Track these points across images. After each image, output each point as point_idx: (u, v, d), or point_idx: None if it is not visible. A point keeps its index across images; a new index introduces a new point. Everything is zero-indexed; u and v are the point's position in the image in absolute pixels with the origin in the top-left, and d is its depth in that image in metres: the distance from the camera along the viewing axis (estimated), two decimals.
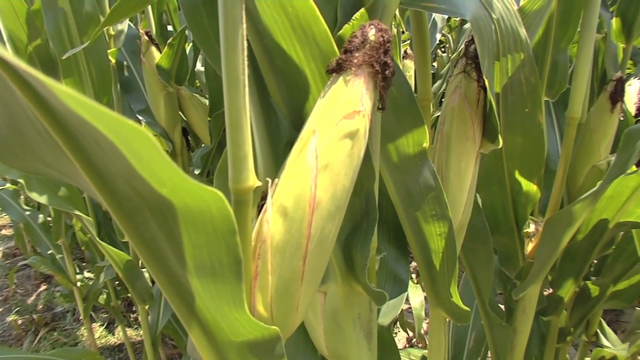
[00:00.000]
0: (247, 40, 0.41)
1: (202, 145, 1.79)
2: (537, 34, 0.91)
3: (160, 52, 1.52)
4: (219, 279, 0.32)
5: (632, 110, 1.24)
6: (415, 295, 1.92)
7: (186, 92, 1.64)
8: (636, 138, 0.75)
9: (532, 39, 0.72)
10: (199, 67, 2.01)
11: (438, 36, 2.09)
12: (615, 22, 1.22)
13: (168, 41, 1.48)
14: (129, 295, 2.40)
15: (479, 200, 0.92)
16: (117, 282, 2.22)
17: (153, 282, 1.76)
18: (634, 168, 0.90)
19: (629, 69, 2.78)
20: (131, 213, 0.30)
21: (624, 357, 1.37)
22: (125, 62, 1.65)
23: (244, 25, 0.34)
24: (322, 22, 0.43)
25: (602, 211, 1.02)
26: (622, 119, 0.99)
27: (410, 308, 1.91)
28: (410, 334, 2.43)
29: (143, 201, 0.28)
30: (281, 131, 0.49)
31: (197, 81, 2.16)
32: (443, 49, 3.54)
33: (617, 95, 0.97)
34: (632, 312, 2.37)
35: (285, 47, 0.45)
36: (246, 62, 0.35)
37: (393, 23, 1.48)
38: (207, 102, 1.66)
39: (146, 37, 1.51)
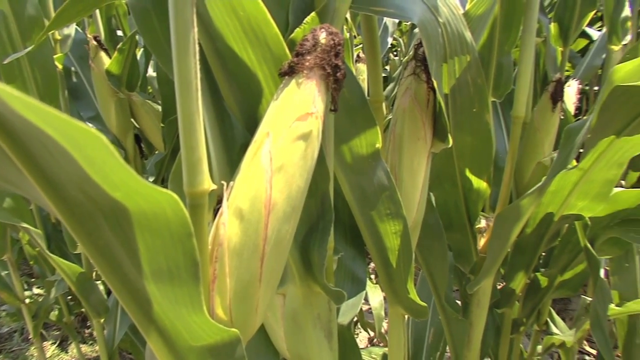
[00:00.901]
0: (199, 43, 0.41)
1: (156, 152, 1.76)
2: (482, 37, 0.94)
3: (110, 58, 1.49)
4: (177, 282, 0.32)
5: (572, 109, 1.30)
6: (375, 296, 1.95)
7: (138, 98, 1.61)
8: (575, 135, 0.79)
9: (478, 42, 0.74)
10: (151, 72, 1.98)
11: (390, 40, 2.13)
12: (553, 27, 1.28)
13: (118, 46, 1.45)
14: (83, 309, 2.32)
15: (433, 199, 0.94)
16: (69, 297, 2.14)
17: (108, 294, 1.72)
18: (574, 163, 0.95)
19: (567, 71, 2.91)
20: (84, 219, 0.29)
21: (571, 342, 1.43)
22: (73, 68, 1.60)
23: (195, 29, 0.35)
24: (274, 25, 0.44)
25: (547, 205, 1.06)
26: (562, 117, 1.03)
27: (371, 309, 1.94)
28: (372, 334, 2.46)
29: (96, 206, 0.28)
30: (235, 135, 0.49)
31: (149, 87, 2.12)
32: (395, 53, 3.61)
33: (557, 96, 1.02)
34: (578, 300, 2.48)
35: (237, 50, 0.45)
36: (198, 66, 0.36)
37: (345, 27, 1.50)
38: (159, 108, 1.63)
39: (94, 42, 1.48)
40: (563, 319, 1.64)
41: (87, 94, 1.62)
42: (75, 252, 1.64)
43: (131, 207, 0.27)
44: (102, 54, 1.50)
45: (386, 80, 3.17)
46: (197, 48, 0.35)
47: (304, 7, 0.53)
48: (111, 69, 1.48)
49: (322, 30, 0.44)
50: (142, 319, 0.36)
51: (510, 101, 1.25)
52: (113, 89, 1.50)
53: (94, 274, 1.56)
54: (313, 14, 0.48)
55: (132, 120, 1.60)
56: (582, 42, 2.90)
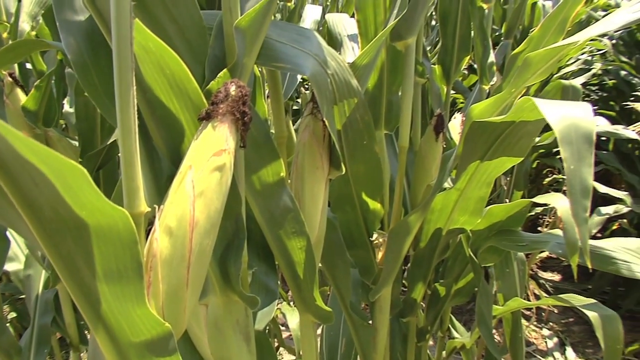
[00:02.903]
0: None
1: None
2: (373, 79, 1.11)
3: (26, 93, 1.51)
4: (125, 281, 0.42)
5: (457, 138, 1.51)
6: (293, 318, 2.04)
7: (54, 134, 1.64)
8: (447, 161, 0.96)
9: (365, 86, 0.90)
10: (67, 108, 2.00)
11: (299, 77, 2.29)
12: (437, 69, 1.49)
13: (35, 83, 1.49)
14: None
15: (336, 219, 1.08)
16: None
17: (20, 335, 1.69)
18: (459, 184, 1.13)
19: (462, 102, 3.21)
20: (52, 233, 0.39)
21: (469, 344, 1.62)
22: None
23: (134, 88, 0.46)
24: (194, 81, 0.56)
25: (435, 222, 1.24)
26: (444, 146, 1.22)
27: (291, 335, 2.02)
28: (293, 357, 2.55)
29: (64, 223, 0.37)
30: (162, 168, 0.60)
31: (60, 121, 2.12)
32: (306, 87, 3.80)
33: (439, 128, 1.20)
34: None
35: (164, 100, 0.56)
36: (136, 116, 0.46)
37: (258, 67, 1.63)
38: (76, 143, 1.66)
39: (10, 79, 1.50)
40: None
41: None
42: None
43: (92, 222, 0.37)
44: (18, 90, 1.52)
45: (298, 113, 3.35)
46: (135, 102, 0.46)
47: (217, 62, 0.65)
48: (28, 105, 1.50)
49: (232, 83, 0.57)
50: (92, 316, 0.45)
51: None
52: (29, 125, 1.52)
53: (2, 315, 1.54)
54: (225, 70, 0.60)
55: None
56: (474, 78, 3.24)
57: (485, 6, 1.52)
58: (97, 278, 0.42)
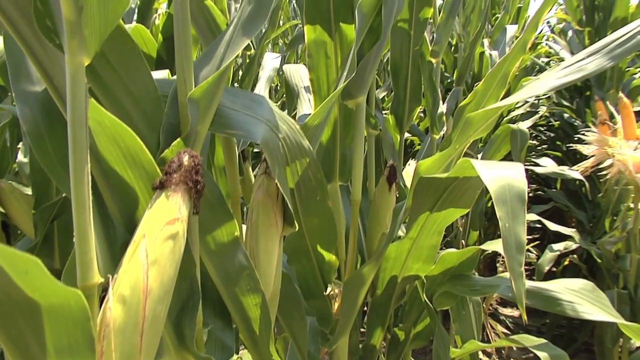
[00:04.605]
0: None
1: (24, 237, 1.74)
2: (327, 133, 1.15)
3: None
4: (76, 355, 0.43)
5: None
6: None
7: (7, 184, 1.61)
8: (398, 213, 1.00)
9: (317, 144, 0.94)
10: (21, 158, 1.97)
11: None
12: (390, 119, 1.56)
13: None
14: None
15: (293, 271, 1.10)
16: None
17: None
18: (411, 234, 1.17)
19: (419, 144, 3.30)
20: (2, 314, 0.39)
21: None
22: None
23: (89, 165, 0.48)
24: (147, 152, 0.58)
25: (391, 269, 1.27)
26: (397, 195, 1.27)
27: None
28: None
29: (15, 304, 0.39)
30: (117, 235, 0.61)
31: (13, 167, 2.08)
32: None
33: (392, 178, 1.25)
34: None
35: (118, 170, 0.58)
36: (90, 190, 0.48)
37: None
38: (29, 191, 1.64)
39: None
40: None
41: None
42: None
43: (44, 303, 0.38)
44: None
45: (259, 156, 3.38)
46: (90, 178, 0.48)
47: (172, 129, 0.67)
48: None
49: (185, 153, 0.59)
50: None
51: None
52: None
53: None
54: (179, 139, 0.62)
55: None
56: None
57: (433, 61, 1.61)
58: (47, 355, 0.42)
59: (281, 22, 4.15)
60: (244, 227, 0.86)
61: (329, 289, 1.11)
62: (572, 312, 1.23)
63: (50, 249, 1.60)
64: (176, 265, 0.57)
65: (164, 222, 0.56)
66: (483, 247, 1.27)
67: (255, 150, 3.53)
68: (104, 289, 0.56)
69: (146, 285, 0.54)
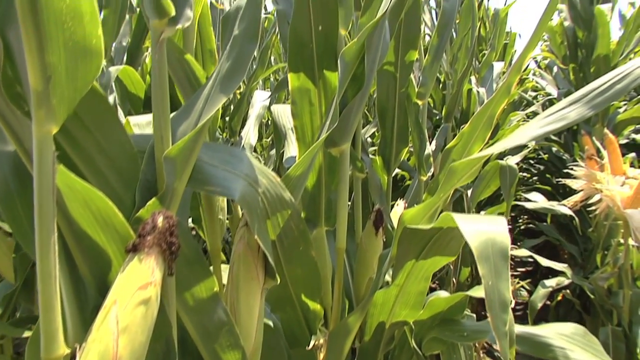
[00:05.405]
0: (58, 226, 0.52)
1: (3, 281, 1.70)
2: (312, 179, 1.15)
3: None
4: None
5: None
6: None
7: None
8: (384, 260, 0.99)
9: (299, 195, 0.93)
10: None
11: None
12: (378, 160, 1.56)
13: None
14: None
15: (279, 319, 1.08)
16: None
17: None
18: (398, 281, 1.15)
19: (409, 179, 3.30)
20: None
21: None
22: None
23: (55, 235, 0.46)
24: (119, 215, 0.57)
25: (378, 316, 1.25)
26: (384, 239, 1.25)
27: None
28: None
29: None
30: (88, 298, 0.59)
31: None
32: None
33: (378, 223, 1.24)
34: None
35: (90, 233, 0.57)
36: (57, 261, 0.47)
37: None
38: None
39: None
40: None
41: None
42: None
43: None
44: None
45: None
46: (57, 248, 0.46)
47: (149, 186, 0.66)
48: None
49: (160, 214, 0.58)
50: None
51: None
52: None
53: None
54: (154, 199, 0.61)
55: None
56: None
57: (420, 102, 1.62)
58: None
59: (272, 59, 4.20)
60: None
61: (313, 340, 1.09)
62: (563, 359, 1.21)
63: (30, 293, 1.57)
64: (148, 331, 0.55)
65: (136, 286, 0.54)
66: (471, 293, 1.25)
67: None
68: (73, 357, 0.54)
69: (116, 353, 0.52)
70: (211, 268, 0.90)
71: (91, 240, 0.57)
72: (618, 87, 0.88)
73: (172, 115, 0.71)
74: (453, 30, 3.00)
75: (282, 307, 1.04)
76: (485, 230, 0.68)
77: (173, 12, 0.61)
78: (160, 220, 0.57)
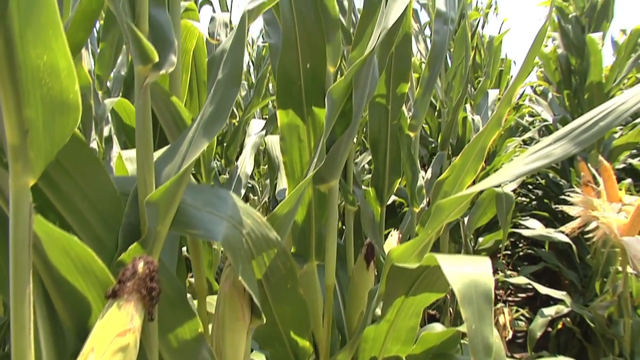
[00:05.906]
0: (37, 271, 0.52)
1: None
2: (302, 213, 1.15)
3: None
4: None
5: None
6: None
7: None
8: (373, 296, 0.99)
9: (286, 233, 0.93)
10: None
11: (243, 190, 2.34)
12: (371, 191, 1.56)
13: None
14: None
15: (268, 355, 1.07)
16: None
17: None
18: (388, 316, 1.15)
19: (405, 206, 3.29)
20: None
21: None
22: None
23: (31, 286, 0.46)
24: (99, 261, 0.57)
25: (370, 350, 1.23)
26: (375, 274, 1.25)
27: None
28: None
29: None
30: (67, 344, 0.59)
31: None
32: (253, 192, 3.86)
33: (369, 256, 1.24)
34: None
35: (70, 279, 0.57)
36: (32, 311, 0.47)
37: None
38: None
39: None
40: None
41: None
42: None
43: None
44: None
45: None
46: (32, 300, 0.46)
47: (132, 229, 0.67)
48: None
49: (141, 260, 0.58)
50: None
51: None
52: None
53: None
54: (136, 243, 0.61)
55: None
56: None
57: (412, 134, 1.64)
58: None
59: (270, 87, 4.24)
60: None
61: None
62: None
63: None
64: None
65: (115, 333, 0.54)
66: (462, 329, 1.24)
67: None
68: None
69: None
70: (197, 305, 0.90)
71: (71, 286, 0.57)
72: (602, 124, 0.88)
73: (157, 156, 0.72)
74: (448, 57, 3.04)
75: (271, 344, 1.03)
76: (468, 272, 0.68)
77: (157, 59, 0.62)
78: (140, 266, 0.57)
